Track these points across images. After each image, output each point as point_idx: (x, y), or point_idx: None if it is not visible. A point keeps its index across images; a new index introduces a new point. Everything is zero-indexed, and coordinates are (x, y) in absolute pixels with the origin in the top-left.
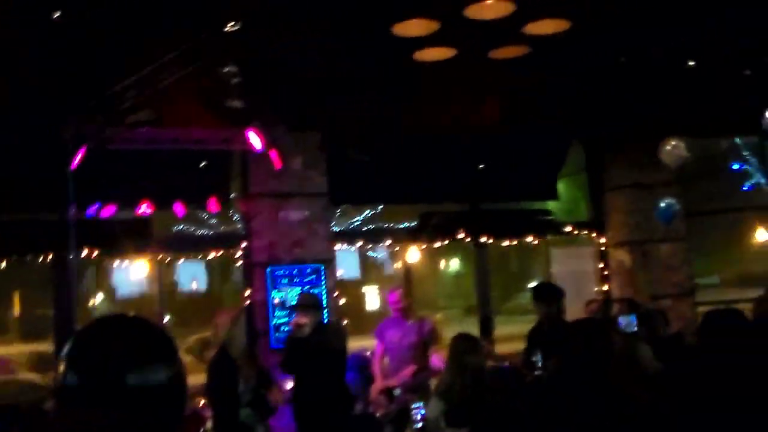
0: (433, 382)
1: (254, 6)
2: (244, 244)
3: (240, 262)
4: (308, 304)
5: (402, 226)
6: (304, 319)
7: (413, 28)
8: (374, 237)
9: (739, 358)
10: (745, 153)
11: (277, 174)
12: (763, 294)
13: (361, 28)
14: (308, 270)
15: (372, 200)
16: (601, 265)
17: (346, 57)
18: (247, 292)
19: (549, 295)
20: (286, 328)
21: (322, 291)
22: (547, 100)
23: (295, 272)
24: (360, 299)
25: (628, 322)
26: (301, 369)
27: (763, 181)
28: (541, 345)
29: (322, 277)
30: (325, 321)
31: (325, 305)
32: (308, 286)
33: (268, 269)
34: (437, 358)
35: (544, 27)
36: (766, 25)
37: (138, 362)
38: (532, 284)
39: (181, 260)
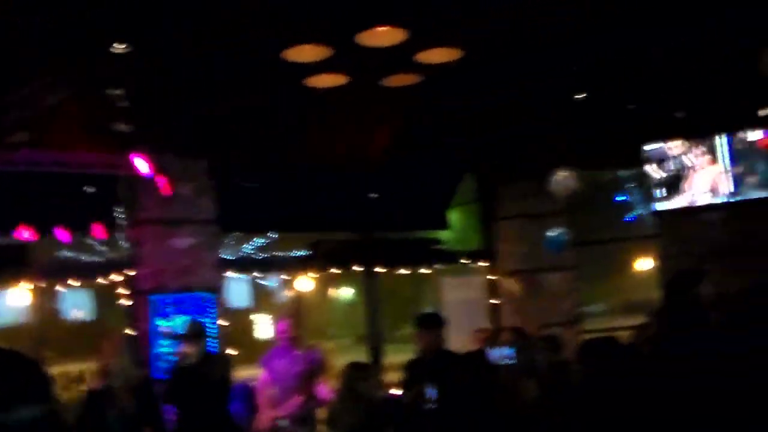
0: (320, 413)
1: (140, 29)
2: (130, 272)
3: (126, 290)
4: (194, 333)
5: (294, 254)
6: (189, 349)
7: (305, 53)
8: (265, 266)
9: (614, 381)
10: (628, 185)
11: (166, 200)
12: (643, 322)
13: (251, 53)
14: (196, 298)
15: (262, 228)
16: (491, 294)
17: (236, 82)
18: (132, 321)
19: (433, 323)
20: (171, 358)
21: (210, 319)
22: (439, 131)
23: (181, 300)
24: (251, 328)
25: (500, 355)
26: (185, 399)
27: (643, 211)
28: (425, 375)
29: (211, 306)
30: (211, 351)
31: (211, 334)
32: (196, 315)
33: (154, 297)
34: (325, 389)
35: (437, 56)
36: (648, 62)
37: (7, 401)
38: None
39: (65, 288)
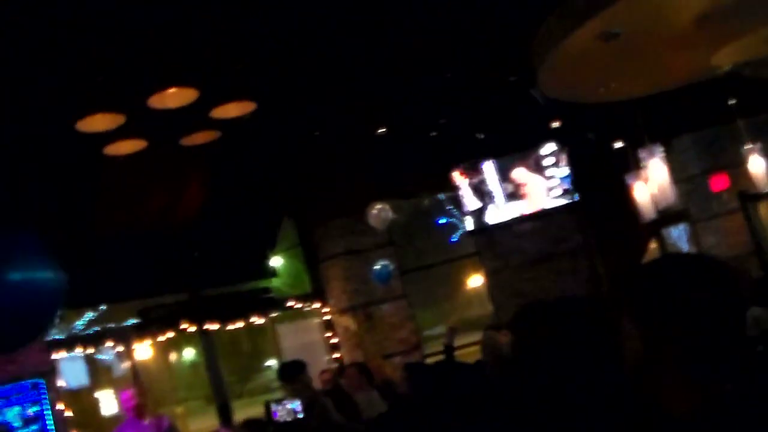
0: None
1: None
2: None
3: None
4: None
5: (125, 324)
6: None
7: (98, 123)
8: (94, 340)
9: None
10: (448, 207)
11: None
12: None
13: (45, 124)
14: (26, 386)
15: (85, 303)
16: (329, 334)
17: (33, 156)
18: None
19: (292, 372)
20: None
21: (44, 406)
22: (248, 183)
23: (11, 391)
24: (94, 407)
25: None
26: None
27: (462, 231)
28: None
29: (43, 392)
30: None
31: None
32: (28, 404)
33: None
34: None
35: (231, 110)
36: (436, 92)
37: None
38: (269, 362)
39: None
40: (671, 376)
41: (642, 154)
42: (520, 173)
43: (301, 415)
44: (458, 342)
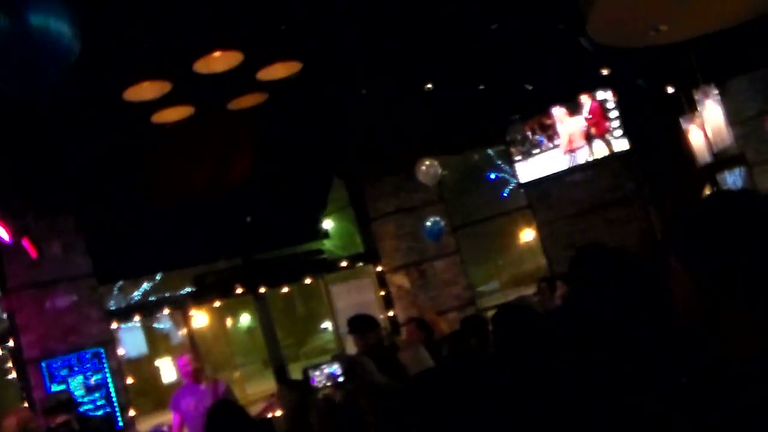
0: None
1: None
2: (11, 342)
3: (13, 363)
4: (59, 403)
5: (181, 292)
6: (61, 418)
7: (145, 91)
8: (151, 309)
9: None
10: (498, 162)
11: (35, 262)
12: (538, 288)
13: (93, 96)
14: (87, 356)
15: (141, 273)
16: (383, 293)
17: (84, 131)
18: (27, 393)
19: (364, 325)
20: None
21: (106, 374)
22: (296, 145)
23: (73, 361)
24: (155, 375)
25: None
26: None
27: (514, 182)
28: None
29: (104, 361)
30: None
31: (109, 389)
32: (90, 372)
33: (43, 363)
34: None
35: (277, 71)
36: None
37: None
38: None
39: None
40: (730, 317)
41: (696, 96)
42: (570, 123)
43: (341, 379)
44: (514, 296)
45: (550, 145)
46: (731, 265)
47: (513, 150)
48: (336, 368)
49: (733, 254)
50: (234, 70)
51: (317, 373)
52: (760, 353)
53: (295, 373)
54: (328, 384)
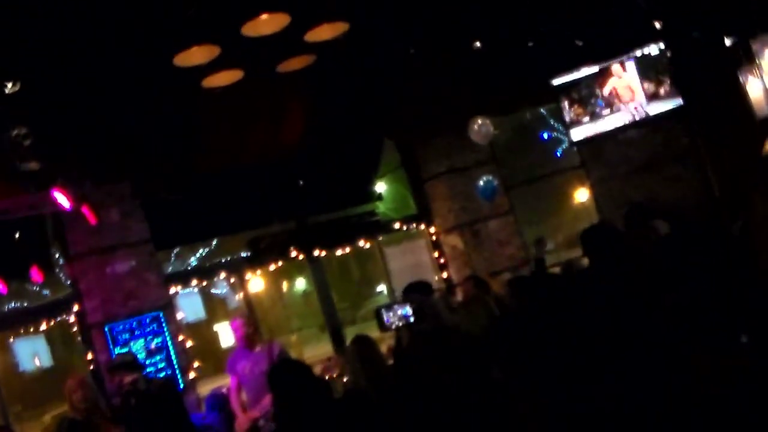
0: None
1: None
2: (75, 308)
3: (78, 327)
4: (125, 362)
5: (237, 257)
6: (128, 377)
7: (194, 56)
8: (208, 273)
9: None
10: (550, 120)
11: (95, 229)
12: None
13: (143, 63)
14: (147, 320)
15: (197, 238)
16: (436, 254)
17: (135, 98)
18: (90, 356)
19: (422, 289)
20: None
21: (166, 337)
22: (347, 107)
23: (134, 325)
24: (214, 339)
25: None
26: (143, 425)
27: (567, 143)
28: None
29: (163, 324)
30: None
31: (169, 352)
32: (151, 336)
33: (106, 328)
34: None
35: (325, 32)
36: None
37: None
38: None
39: (13, 338)
40: None
41: (755, 46)
42: (623, 79)
43: (411, 319)
44: (569, 256)
45: (603, 102)
46: None
47: (564, 108)
48: (407, 310)
49: None
50: (281, 32)
51: (390, 313)
52: None
53: (352, 336)
54: (400, 324)
